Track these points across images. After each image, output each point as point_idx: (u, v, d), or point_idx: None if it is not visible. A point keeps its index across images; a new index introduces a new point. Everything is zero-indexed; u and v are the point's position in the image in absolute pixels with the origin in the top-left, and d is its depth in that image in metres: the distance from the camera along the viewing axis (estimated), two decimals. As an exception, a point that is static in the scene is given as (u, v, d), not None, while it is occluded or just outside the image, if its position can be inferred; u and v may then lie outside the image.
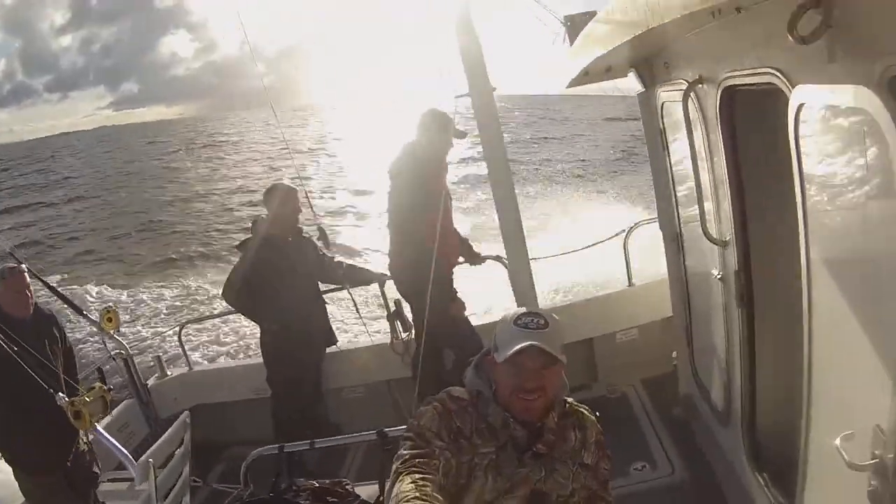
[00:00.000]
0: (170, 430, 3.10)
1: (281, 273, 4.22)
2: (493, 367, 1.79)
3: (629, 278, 4.84)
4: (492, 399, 1.80)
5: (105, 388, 2.91)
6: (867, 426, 1.53)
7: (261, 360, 4.78)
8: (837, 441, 1.59)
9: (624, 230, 4.86)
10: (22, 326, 3.59)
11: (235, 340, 9.59)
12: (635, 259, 4.92)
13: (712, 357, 3.30)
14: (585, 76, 3.62)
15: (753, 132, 2.50)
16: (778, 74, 1.86)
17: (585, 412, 1.95)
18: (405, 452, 1.66)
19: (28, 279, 3.70)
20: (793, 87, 1.76)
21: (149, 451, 2.88)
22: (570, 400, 1.95)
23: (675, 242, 3.65)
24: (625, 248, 4.81)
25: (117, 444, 2.84)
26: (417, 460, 1.63)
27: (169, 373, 5.08)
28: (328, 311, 4.79)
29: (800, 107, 1.71)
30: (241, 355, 8.79)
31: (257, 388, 4.64)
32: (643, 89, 3.44)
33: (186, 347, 5.30)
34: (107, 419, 3.79)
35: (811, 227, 1.82)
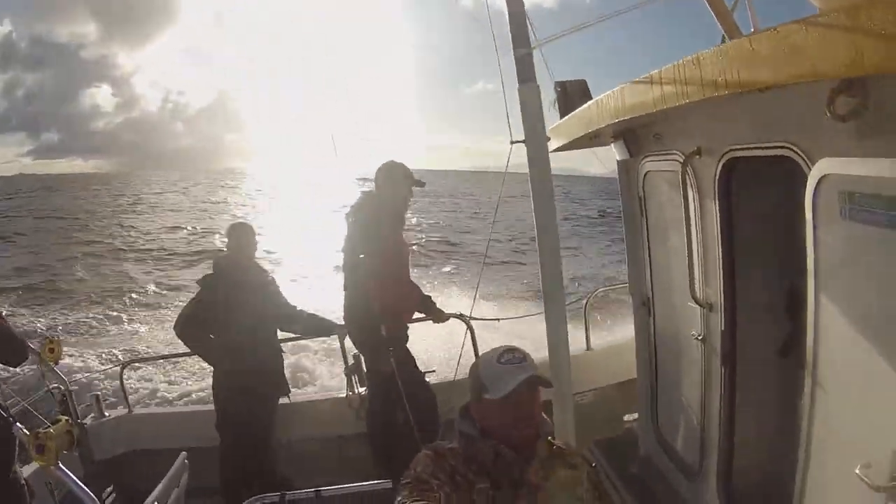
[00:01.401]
0: (170, 471, 2.95)
1: (234, 310, 4.11)
2: (485, 408, 1.87)
3: (587, 342, 4.99)
4: (479, 438, 1.87)
5: (71, 421, 2.62)
6: (885, 453, 1.68)
7: (205, 407, 4.63)
8: (857, 469, 1.72)
9: (585, 295, 5.04)
10: None
11: (178, 386, 8.97)
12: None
13: (682, 415, 3.43)
14: (570, 143, 3.83)
15: (748, 199, 2.73)
16: (795, 149, 2.07)
17: (572, 453, 2.00)
18: (405, 492, 1.76)
19: None
20: (812, 161, 1.96)
21: (153, 495, 2.75)
22: (555, 441, 2.01)
23: (644, 306, 3.82)
24: (585, 314, 4.98)
25: (83, 486, 2.54)
26: (417, 493, 1.74)
27: (107, 414, 4.75)
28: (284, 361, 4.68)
29: (822, 178, 1.91)
30: (184, 402, 8.24)
31: (200, 436, 4.40)
32: (628, 157, 3.65)
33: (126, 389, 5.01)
34: None
35: (821, 283, 2.00)
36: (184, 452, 3.06)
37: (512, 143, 2.33)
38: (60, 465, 2.56)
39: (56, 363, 4.10)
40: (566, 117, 3.73)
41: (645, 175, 3.58)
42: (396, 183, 4.22)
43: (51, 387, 4.26)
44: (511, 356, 1.88)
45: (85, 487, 2.58)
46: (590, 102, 3.38)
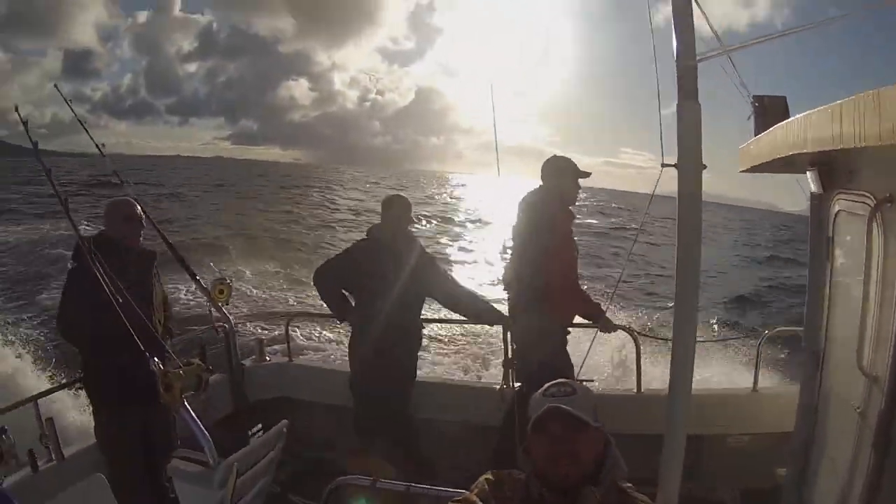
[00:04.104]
0: (265, 435, 2.99)
1: (371, 274, 4.16)
2: (530, 442, 1.84)
3: (755, 383, 4.55)
4: (530, 476, 1.83)
5: (203, 366, 2.68)
6: None
7: None
8: None
9: (760, 332, 4.59)
10: (126, 257, 3.45)
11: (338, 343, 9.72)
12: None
13: (828, 489, 3.03)
14: (762, 166, 3.49)
15: None
16: None
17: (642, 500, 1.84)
18: None
19: (140, 212, 3.59)
20: None
21: (237, 454, 2.74)
22: (629, 487, 1.85)
23: (816, 358, 3.39)
24: (758, 352, 4.54)
25: (202, 427, 2.63)
26: None
27: (268, 358, 5.10)
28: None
29: None
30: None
31: (349, 395, 4.47)
32: (820, 191, 3.23)
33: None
34: None
35: None
36: (284, 421, 3.13)
37: (663, 166, 2.16)
38: (186, 404, 2.64)
39: (225, 304, 4.48)
40: (757, 136, 3.41)
41: (836, 214, 3.14)
42: (562, 175, 4.20)
43: (216, 325, 4.53)
44: (556, 389, 1.82)
45: (204, 430, 2.65)
46: (782, 123, 3.05)
